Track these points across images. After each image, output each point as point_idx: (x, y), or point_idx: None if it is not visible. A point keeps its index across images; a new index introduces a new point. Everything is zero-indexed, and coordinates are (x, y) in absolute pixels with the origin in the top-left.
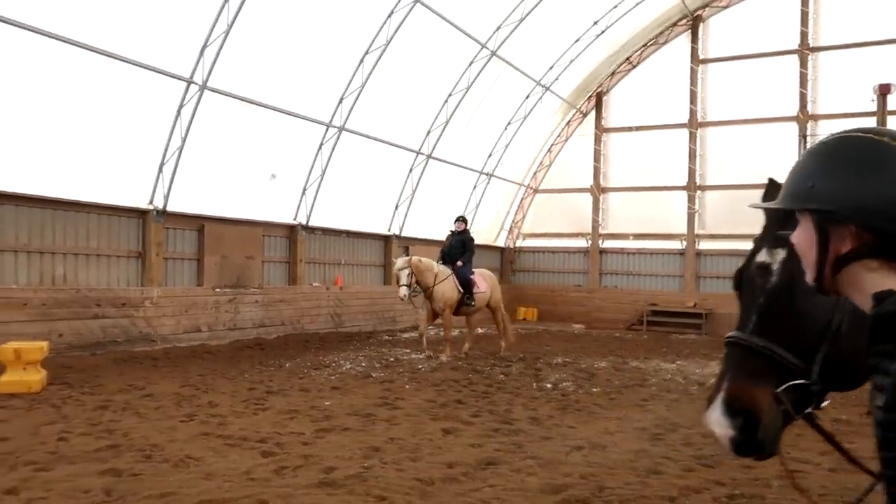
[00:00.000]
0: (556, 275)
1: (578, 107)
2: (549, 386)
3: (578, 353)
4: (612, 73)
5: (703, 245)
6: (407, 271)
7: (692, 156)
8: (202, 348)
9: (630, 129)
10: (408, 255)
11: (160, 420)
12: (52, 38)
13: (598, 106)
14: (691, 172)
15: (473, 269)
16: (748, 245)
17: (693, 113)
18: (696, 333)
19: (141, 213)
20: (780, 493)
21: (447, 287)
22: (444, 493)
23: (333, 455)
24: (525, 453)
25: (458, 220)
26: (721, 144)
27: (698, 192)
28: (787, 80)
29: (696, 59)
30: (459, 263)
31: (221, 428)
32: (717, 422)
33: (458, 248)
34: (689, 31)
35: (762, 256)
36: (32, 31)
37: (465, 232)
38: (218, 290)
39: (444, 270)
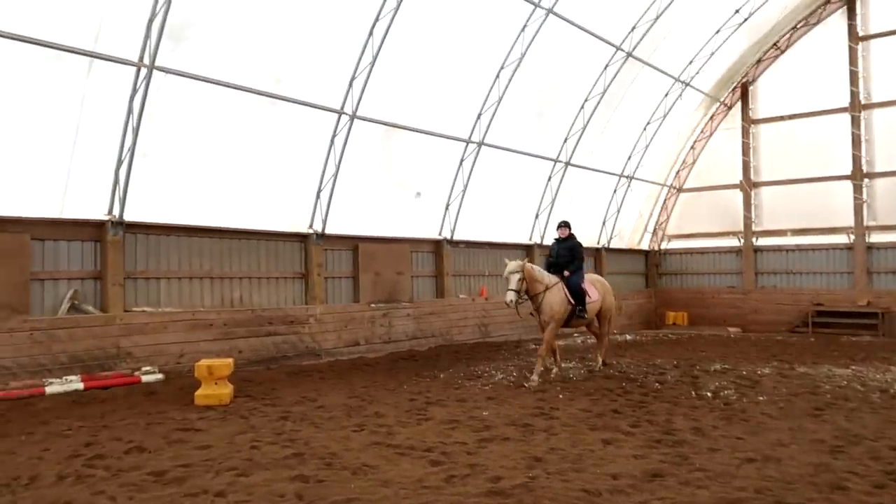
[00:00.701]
0: (706, 276)
1: (722, 100)
2: (709, 394)
3: (737, 359)
4: (758, 62)
5: (875, 238)
6: (518, 276)
7: (856, 142)
8: (361, 361)
9: (782, 118)
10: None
11: (334, 430)
12: (221, 84)
13: (744, 97)
14: (856, 160)
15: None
16: None
17: (854, 95)
18: (872, 335)
19: (302, 238)
20: None
21: (555, 298)
22: None
23: (498, 465)
24: (692, 465)
25: (560, 225)
26: (891, 127)
27: (865, 180)
28: None
29: (854, 37)
30: (567, 273)
31: (390, 437)
32: None
33: (566, 257)
34: (845, 6)
35: None
36: (205, 80)
37: (571, 237)
38: (373, 305)
39: (552, 279)
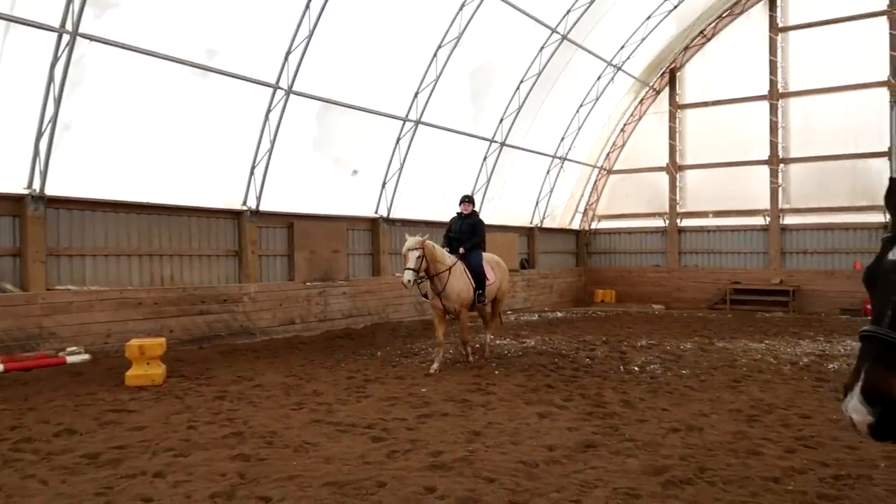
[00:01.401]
0: (633, 256)
1: (651, 84)
2: (636, 369)
3: (662, 335)
4: (686, 48)
5: (789, 220)
6: (417, 253)
7: (774, 128)
8: (297, 339)
9: (706, 104)
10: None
11: (273, 409)
12: (150, 55)
13: (672, 82)
14: (773, 146)
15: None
16: (838, 218)
17: (773, 84)
18: (784, 311)
19: (236, 214)
20: (888, 472)
21: (461, 283)
22: (549, 475)
23: (438, 439)
24: (622, 436)
25: (463, 199)
26: (805, 115)
27: (781, 165)
28: (875, 43)
29: (774, 28)
30: (462, 250)
31: (330, 415)
32: (856, 409)
33: (467, 233)
34: None
35: (895, 254)
36: (133, 50)
37: (474, 214)
38: (308, 283)
39: (454, 260)
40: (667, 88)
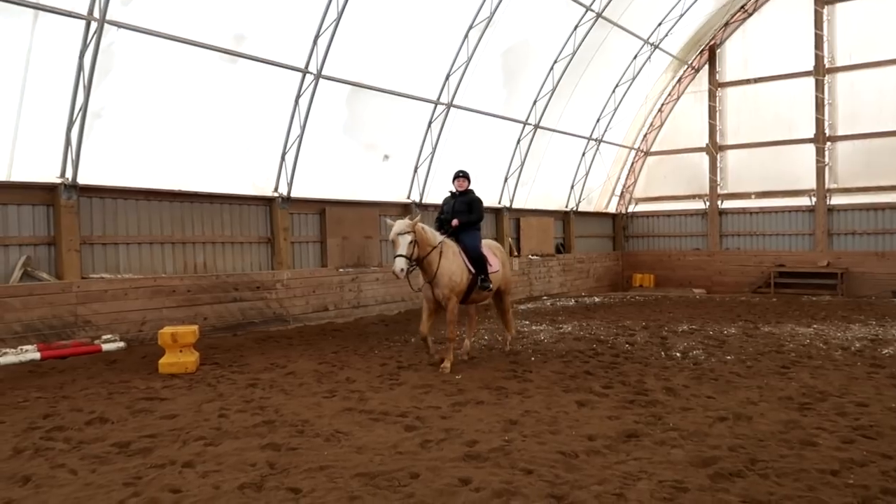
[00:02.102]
0: (672, 239)
1: (690, 62)
2: (678, 355)
3: (704, 320)
4: (726, 24)
5: (836, 200)
6: (409, 238)
7: (819, 105)
8: (330, 326)
9: (748, 81)
10: (518, 228)
11: (305, 396)
12: (179, 41)
13: (712, 60)
14: (819, 123)
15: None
16: (888, 198)
17: (819, 59)
18: (832, 294)
19: (268, 201)
20: None
21: (455, 266)
22: (590, 466)
23: (473, 429)
24: (666, 425)
25: (458, 175)
26: (852, 91)
27: (828, 143)
28: None
29: (820, 1)
30: (455, 222)
31: (362, 403)
32: None
33: (463, 213)
34: None
35: None
36: (161, 36)
37: (470, 192)
38: (341, 269)
39: (449, 244)
40: (706, 66)
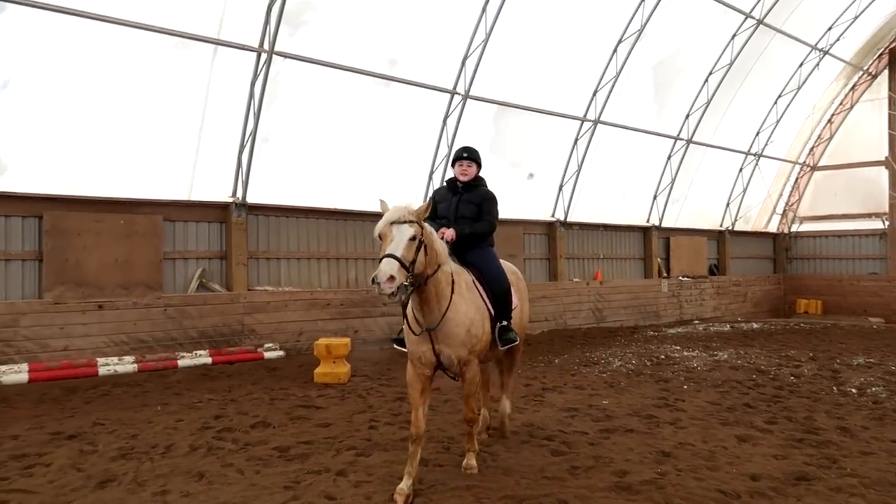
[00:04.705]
0: (843, 262)
1: (866, 68)
2: (853, 391)
3: (883, 353)
4: None
5: None
6: (411, 231)
7: None
8: None
9: None
10: (668, 248)
11: (450, 413)
12: (337, 68)
13: (892, 64)
14: None
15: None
16: None
17: None
18: None
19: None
20: None
21: (473, 309)
22: None
23: (623, 458)
24: (843, 470)
25: (460, 157)
26: None
27: None
28: None
29: None
30: (451, 234)
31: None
32: None
33: (469, 218)
34: None
35: None
36: (321, 64)
37: (479, 184)
38: None
39: (461, 271)
40: (885, 72)
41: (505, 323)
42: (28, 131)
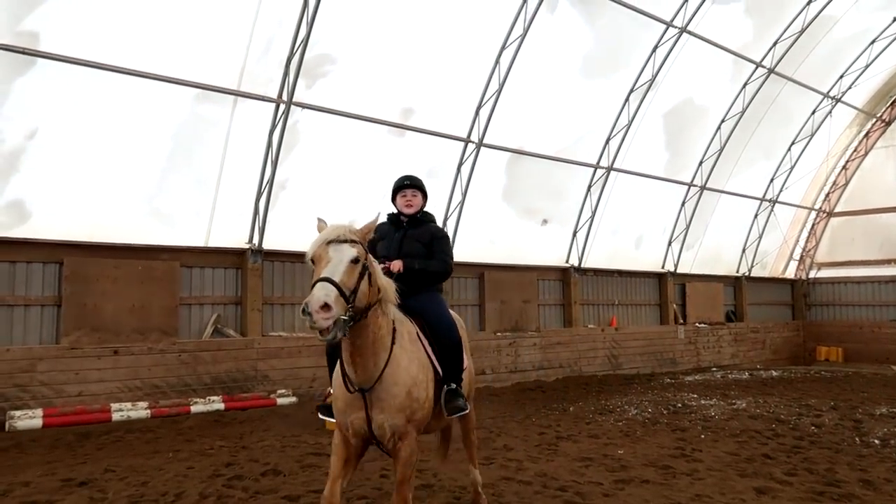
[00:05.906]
0: (864, 308)
1: (879, 115)
2: (876, 442)
3: None
4: None
5: None
6: (353, 252)
7: None
8: (487, 391)
9: None
10: (684, 294)
11: (463, 462)
12: (353, 118)
13: None
14: None
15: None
16: None
17: None
18: None
19: None
20: None
21: (415, 366)
22: None
23: None
24: None
25: (402, 185)
26: None
27: None
28: None
29: None
30: (398, 265)
31: (520, 473)
32: None
33: (416, 255)
34: None
35: None
36: (338, 114)
37: (427, 219)
38: (499, 333)
39: (402, 319)
40: None
41: (454, 386)
42: (52, 179)
